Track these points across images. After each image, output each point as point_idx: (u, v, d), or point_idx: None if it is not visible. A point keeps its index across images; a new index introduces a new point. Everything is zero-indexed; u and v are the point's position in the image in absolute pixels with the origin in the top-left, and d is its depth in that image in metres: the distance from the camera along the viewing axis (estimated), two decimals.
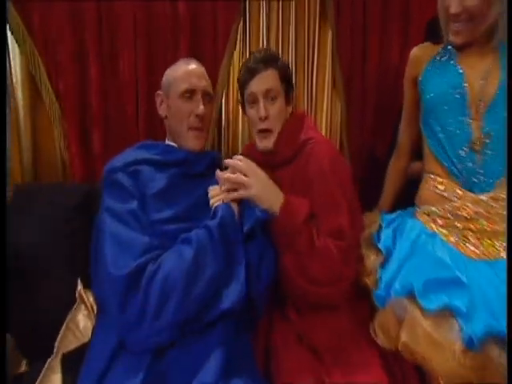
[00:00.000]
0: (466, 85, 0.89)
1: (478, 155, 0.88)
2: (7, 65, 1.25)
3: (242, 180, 0.85)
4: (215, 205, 0.87)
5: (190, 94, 0.95)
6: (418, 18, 1.44)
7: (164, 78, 1.01)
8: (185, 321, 0.73)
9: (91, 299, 1.07)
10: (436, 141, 0.95)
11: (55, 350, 0.99)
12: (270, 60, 0.99)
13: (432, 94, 0.94)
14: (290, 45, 1.43)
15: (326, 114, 1.51)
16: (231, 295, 0.78)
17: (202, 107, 0.94)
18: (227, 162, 0.90)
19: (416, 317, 0.78)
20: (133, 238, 0.77)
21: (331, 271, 0.84)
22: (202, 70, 1.01)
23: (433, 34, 1.01)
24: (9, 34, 1.22)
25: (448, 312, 0.76)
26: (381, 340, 0.82)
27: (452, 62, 0.94)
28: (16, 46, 1.26)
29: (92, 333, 0.90)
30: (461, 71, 0.91)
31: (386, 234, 0.96)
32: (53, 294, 1.09)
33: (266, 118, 0.97)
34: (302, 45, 1.44)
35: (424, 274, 0.81)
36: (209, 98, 0.99)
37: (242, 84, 1.01)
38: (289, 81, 1.04)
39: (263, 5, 1.38)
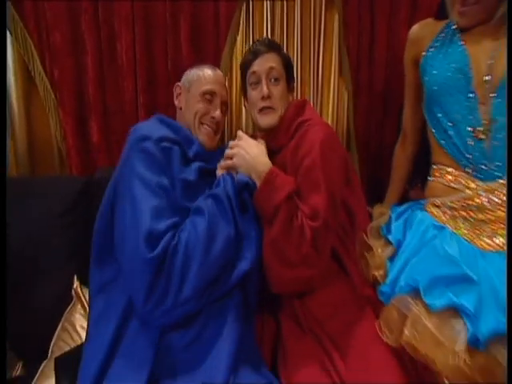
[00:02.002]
0: (471, 66, 0.84)
1: (487, 142, 0.82)
2: None
3: (227, 152, 0.93)
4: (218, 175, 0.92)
5: (211, 96, 0.99)
6: (426, 3, 1.39)
7: (188, 73, 1.04)
8: (206, 286, 0.77)
9: (88, 296, 1.00)
10: (441, 129, 0.89)
11: (50, 352, 0.93)
12: (272, 45, 1.02)
13: (434, 78, 0.88)
14: (295, 31, 1.37)
15: (332, 103, 1.45)
16: (249, 257, 0.83)
17: (218, 112, 0.99)
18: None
19: (420, 315, 0.74)
20: (162, 214, 0.78)
21: (300, 251, 0.82)
22: (224, 80, 1.09)
23: (444, 15, 0.94)
24: None
25: (454, 311, 0.72)
26: (386, 336, 0.79)
27: (456, 41, 0.87)
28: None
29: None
30: (466, 52, 0.85)
31: (396, 227, 0.91)
32: (49, 291, 1.03)
33: (269, 96, 0.97)
34: (308, 31, 1.38)
35: (430, 271, 0.77)
36: (225, 107, 1.05)
37: (245, 66, 1.01)
38: (290, 69, 1.05)
39: None
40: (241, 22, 1.32)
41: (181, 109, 1.03)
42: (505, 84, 0.80)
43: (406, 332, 0.74)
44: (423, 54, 0.92)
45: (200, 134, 0.98)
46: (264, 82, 0.97)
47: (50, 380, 0.83)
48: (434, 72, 0.89)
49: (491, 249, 0.79)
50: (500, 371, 0.67)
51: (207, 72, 1.02)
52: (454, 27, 0.89)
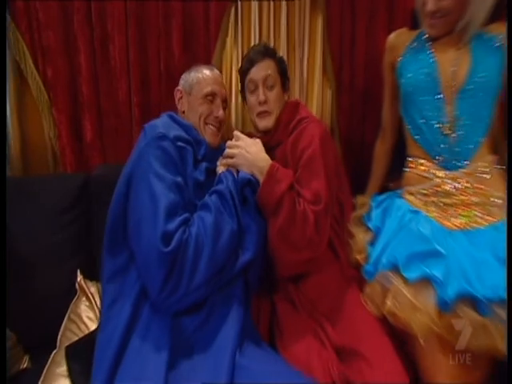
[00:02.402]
0: (438, 72, 0.95)
1: (452, 137, 0.94)
2: None
3: (227, 152, 0.98)
4: (218, 174, 0.97)
5: (212, 97, 1.04)
6: (402, 7, 1.49)
7: (186, 77, 1.08)
8: (214, 274, 0.83)
9: (92, 289, 1.04)
10: (415, 125, 1.01)
11: (58, 343, 0.96)
12: (267, 52, 1.10)
13: (408, 81, 1.00)
14: (281, 33, 1.44)
15: (316, 101, 1.53)
16: (251, 248, 0.90)
17: (221, 112, 1.05)
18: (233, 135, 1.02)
19: (399, 286, 0.86)
20: (176, 212, 0.83)
21: (305, 234, 0.91)
22: (222, 79, 1.12)
23: (418, 21, 1.04)
24: None
25: (427, 281, 0.85)
26: (371, 309, 0.92)
27: (426, 49, 0.99)
28: None
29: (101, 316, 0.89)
30: (434, 59, 0.97)
31: (375, 214, 1.04)
32: (52, 286, 1.06)
33: (265, 102, 1.05)
34: (293, 34, 1.45)
35: (407, 249, 0.89)
36: (225, 104, 1.10)
37: (243, 73, 1.09)
38: (285, 72, 1.14)
39: None
40: (229, 25, 1.38)
41: (183, 112, 1.07)
42: (465, 88, 0.93)
43: (388, 302, 0.86)
44: (399, 59, 1.03)
45: (206, 135, 1.03)
46: (261, 89, 1.06)
47: (61, 368, 0.87)
48: (409, 75, 1.00)
49: (456, 228, 0.92)
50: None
51: (206, 73, 1.06)
52: (424, 37, 1.00)
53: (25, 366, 0.98)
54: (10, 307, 0.88)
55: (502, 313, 0.77)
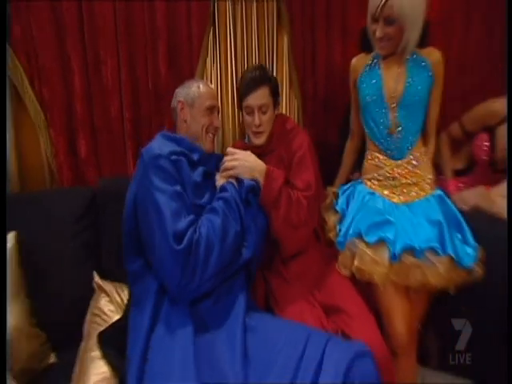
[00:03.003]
0: (384, 86, 1.22)
1: (396, 136, 1.22)
2: None
3: (227, 165, 1.14)
4: (220, 185, 1.13)
5: (211, 109, 1.22)
6: (353, 27, 1.74)
7: (186, 91, 1.23)
8: (222, 268, 0.99)
9: (108, 287, 1.17)
10: (370, 128, 1.27)
11: (84, 334, 1.09)
12: (262, 78, 1.26)
13: (364, 94, 1.25)
14: (253, 51, 1.65)
15: (285, 109, 1.75)
16: (251, 246, 1.07)
17: (218, 122, 1.25)
18: (226, 151, 1.18)
19: (363, 248, 1.13)
20: (180, 215, 0.97)
21: (301, 216, 1.14)
22: (214, 91, 1.33)
23: (364, 39, 1.29)
24: None
25: (383, 242, 1.13)
26: (342, 271, 1.18)
27: (377, 68, 1.25)
28: None
29: (128, 307, 1.04)
30: (382, 75, 1.23)
31: (341, 200, 1.31)
32: (68, 289, 1.17)
33: (259, 125, 1.25)
34: (263, 50, 1.66)
35: (367, 221, 1.17)
36: (218, 113, 1.29)
37: (241, 96, 1.28)
38: (277, 92, 1.32)
39: (229, 17, 1.57)
40: (209, 45, 1.56)
41: (185, 121, 1.21)
42: (403, 99, 1.20)
43: (356, 262, 1.13)
44: (358, 78, 1.29)
45: (206, 142, 1.21)
46: (256, 114, 1.24)
47: (94, 353, 0.99)
48: (366, 90, 1.25)
49: (401, 202, 1.21)
50: (407, 271, 1.11)
51: (205, 88, 1.23)
52: (376, 58, 1.26)
53: (51, 361, 1.09)
54: (37, 309, 1.00)
55: (432, 257, 1.09)
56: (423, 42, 1.22)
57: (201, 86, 1.24)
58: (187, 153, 1.11)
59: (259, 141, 1.28)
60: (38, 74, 1.33)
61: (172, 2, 1.46)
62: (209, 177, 1.16)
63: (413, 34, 1.14)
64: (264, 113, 1.25)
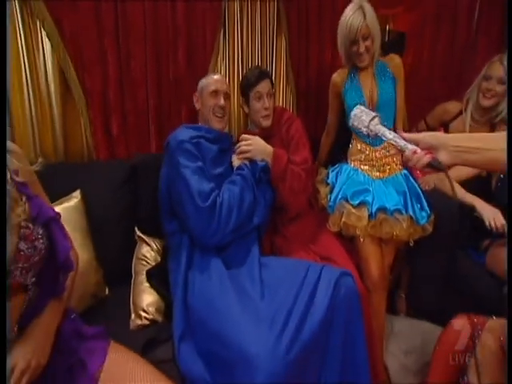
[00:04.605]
0: (364, 94, 1.56)
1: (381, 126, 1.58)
2: (42, 65, 1.51)
3: (242, 149, 1.45)
4: (236, 165, 1.44)
5: (215, 93, 1.50)
6: None
7: (200, 84, 1.56)
8: (239, 227, 1.31)
9: (148, 239, 1.47)
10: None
11: (133, 272, 1.38)
12: (266, 72, 1.65)
13: (350, 103, 1.57)
14: (256, 52, 1.93)
15: (282, 103, 2.05)
16: (260, 215, 1.41)
17: (222, 101, 1.51)
18: (240, 138, 1.50)
19: (350, 208, 1.46)
20: (203, 182, 1.27)
21: (301, 184, 1.49)
22: (224, 79, 1.61)
23: None
24: (46, 38, 1.50)
25: (364, 204, 1.46)
26: (332, 227, 1.51)
27: (356, 81, 1.58)
28: (49, 47, 1.52)
29: (167, 253, 1.35)
30: (360, 87, 1.57)
31: (331, 176, 1.65)
32: (117, 239, 1.46)
33: (268, 108, 1.58)
34: (265, 49, 1.95)
35: (352, 189, 1.50)
36: (227, 96, 1.55)
37: (250, 86, 1.58)
38: (273, 86, 1.67)
39: (237, 22, 1.84)
40: (220, 45, 1.84)
41: (199, 110, 1.53)
42: (379, 104, 1.54)
43: (344, 218, 1.47)
44: (342, 91, 1.62)
45: (215, 122, 1.50)
46: (266, 98, 1.57)
47: (144, 285, 1.31)
48: (351, 100, 1.58)
49: (377, 178, 1.56)
50: (380, 225, 1.43)
51: (211, 78, 1.54)
52: (354, 71, 1.59)
53: (106, 293, 1.38)
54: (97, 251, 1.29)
55: (398, 216, 1.43)
56: (400, 51, 1.57)
57: (209, 76, 1.54)
58: (205, 134, 1.42)
59: (267, 123, 1.61)
60: (82, 65, 1.57)
61: (190, 3, 1.71)
62: (224, 152, 1.47)
63: (378, 42, 1.50)
64: (270, 98, 1.58)
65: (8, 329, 0.70)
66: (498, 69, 1.63)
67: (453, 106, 1.80)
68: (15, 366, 0.70)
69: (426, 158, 0.85)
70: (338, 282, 1.13)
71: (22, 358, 0.71)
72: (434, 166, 0.85)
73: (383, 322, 1.54)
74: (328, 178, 1.65)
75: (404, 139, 0.92)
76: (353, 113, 1.07)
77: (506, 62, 1.60)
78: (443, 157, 0.83)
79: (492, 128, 1.72)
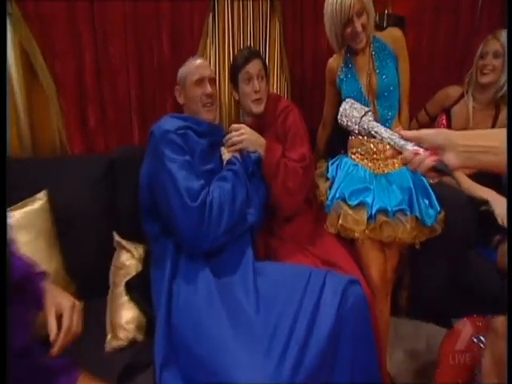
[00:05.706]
0: (360, 80, 1.42)
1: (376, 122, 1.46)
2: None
3: (234, 140, 1.30)
4: (227, 158, 1.28)
5: (200, 81, 1.33)
6: None
7: (179, 75, 1.37)
8: (231, 228, 1.15)
9: (128, 244, 1.30)
10: None
11: (111, 283, 1.22)
12: (256, 53, 1.48)
13: (346, 93, 1.45)
14: (248, 37, 1.78)
15: (276, 91, 1.93)
16: (254, 213, 1.26)
17: (209, 88, 1.34)
18: (230, 128, 1.34)
19: (347, 210, 1.34)
20: (192, 179, 1.11)
21: (298, 183, 1.34)
22: (206, 62, 1.42)
23: None
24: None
25: (362, 205, 1.33)
26: (330, 229, 1.38)
27: (352, 68, 1.45)
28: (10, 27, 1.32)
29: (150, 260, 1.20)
30: (356, 75, 1.43)
31: (331, 169, 1.52)
32: (91, 244, 1.30)
33: (259, 91, 1.41)
34: (258, 36, 1.81)
35: (350, 188, 1.37)
36: (213, 81, 1.39)
37: (239, 67, 1.42)
38: (266, 68, 1.50)
39: (227, 6, 1.70)
40: (208, 28, 1.68)
41: (183, 104, 1.35)
42: (379, 92, 1.40)
43: (340, 221, 1.33)
44: (337, 79, 1.48)
45: (204, 114, 1.33)
46: (255, 80, 1.40)
47: (123, 298, 1.14)
48: (346, 90, 1.45)
49: (379, 173, 1.42)
50: (381, 228, 1.31)
51: (192, 64, 1.34)
52: (349, 58, 1.45)
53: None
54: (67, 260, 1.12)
55: (401, 217, 1.31)
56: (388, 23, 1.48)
57: (190, 62, 1.36)
58: (193, 126, 1.26)
59: (259, 108, 1.44)
60: (50, 48, 1.39)
61: None
62: (214, 146, 1.31)
63: (372, 16, 1.34)
64: (261, 79, 1.42)
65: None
66: (493, 43, 1.57)
67: (454, 90, 1.72)
68: (61, 307, 0.71)
69: (430, 161, 0.72)
70: (346, 291, 1.00)
71: (66, 297, 0.74)
72: (440, 170, 0.72)
73: (387, 328, 1.43)
74: (328, 171, 1.52)
75: (403, 138, 0.79)
76: (341, 108, 0.93)
77: (502, 38, 1.54)
78: (451, 159, 0.70)
79: (497, 108, 1.63)
